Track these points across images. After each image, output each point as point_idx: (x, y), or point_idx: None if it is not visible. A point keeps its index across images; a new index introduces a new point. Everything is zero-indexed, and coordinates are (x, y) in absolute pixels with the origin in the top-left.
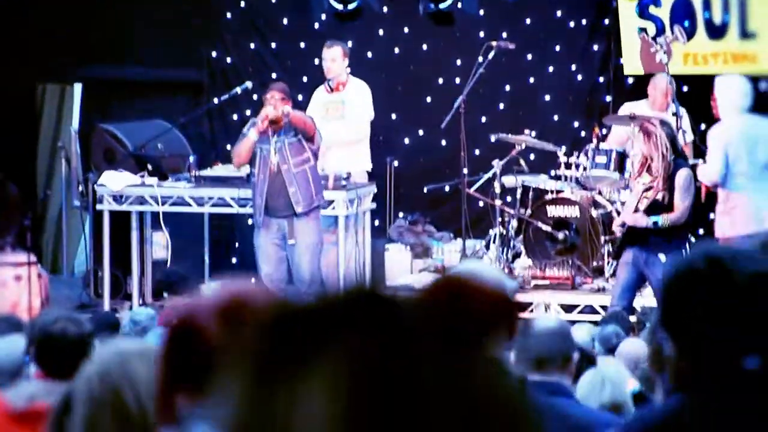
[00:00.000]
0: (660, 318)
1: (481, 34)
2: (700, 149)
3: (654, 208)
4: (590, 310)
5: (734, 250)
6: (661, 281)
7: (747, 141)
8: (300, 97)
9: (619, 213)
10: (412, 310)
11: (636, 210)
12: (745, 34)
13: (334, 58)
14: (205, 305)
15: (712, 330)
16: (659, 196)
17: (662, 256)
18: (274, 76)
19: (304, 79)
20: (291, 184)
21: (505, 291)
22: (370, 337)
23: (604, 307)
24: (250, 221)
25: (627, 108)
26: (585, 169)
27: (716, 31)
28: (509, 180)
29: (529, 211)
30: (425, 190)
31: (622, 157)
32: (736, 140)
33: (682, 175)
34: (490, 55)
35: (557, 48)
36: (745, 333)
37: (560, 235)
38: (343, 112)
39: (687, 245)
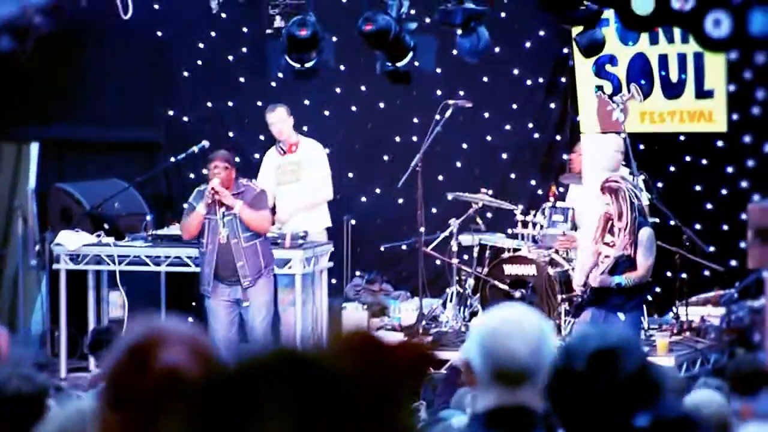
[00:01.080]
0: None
1: (438, 92)
2: (657, 207)
3: (615, 268)
4: None
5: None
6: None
7: None
8: (257, 156)
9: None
10: (336, 371)
11: (592, 269)
12: (702, 92)
13: (282, 119)
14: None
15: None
16: (626, 253)
17: (621, 315)
18: (231, 134)
19: (261, 137)
20: (239, 258)
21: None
22: (298, 400)
23: None
24: None
25: (586, 140)
26: (542, 227)
27: (673, 90)
28: (466, 238)
29: (486, 270)
30: (382, 248)
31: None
32: None
33: (644, 234)
34: (447, 113)
35: (514, 106)
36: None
37: (517, 294)
38: (299, 175)
39: (645, 304)
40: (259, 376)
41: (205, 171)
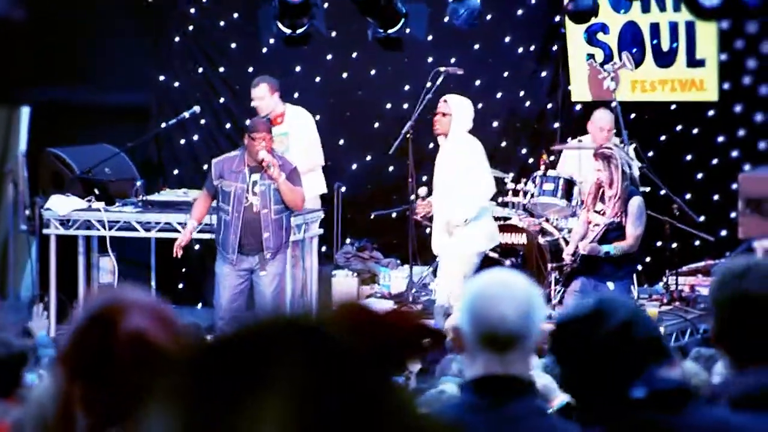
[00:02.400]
0: (554, 355)
1: (430, 59)
2: (648, 177)
3: (606, 236)
4: None
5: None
6: (558, 321)
7: None
8: (247, 122)
9: (566, 240)
10: (338, 338)
11: (583, 238)
12: (693, 61)
13: (261, 96)
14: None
15: (596, 364)
16: (616, 220)
17: (611, 284)
18: (222, 100)
19: (252, 104)
20: (266, 229)
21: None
22: (309, 370)
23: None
24: (197, 246)
25: (573, 143)
26: (532, 196)
27: (664, 59)
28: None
29: None
30: (372, 216)
31: (570, 184)
32: None
33: (634, 204)
34: (439, 81)
35: (505, 74)
36: (625, 367)
37: (507, 262)
38: (288, 144)
39: (635, 273)
40: (263, 342)
41: (196, 137)
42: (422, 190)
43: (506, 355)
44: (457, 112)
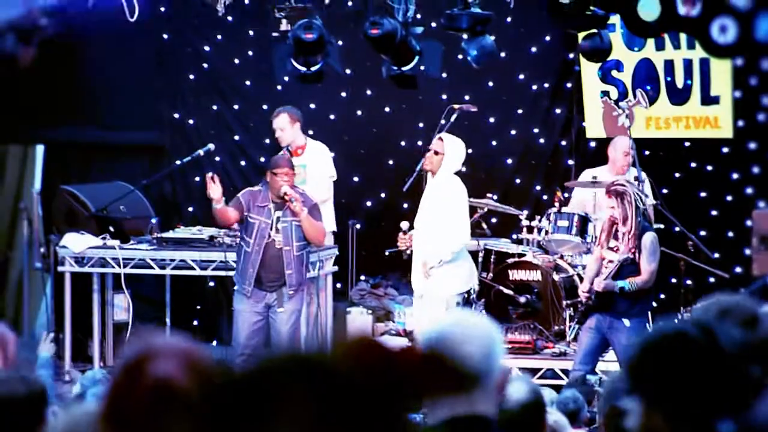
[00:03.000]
0: (635, 381)
1: (444, 96)
2: (662, 213)
3: (620, 273)
4: (551, 374)
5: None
6: (639, 344)
7: None
8: (262, 159)
9: (581, 277)
10: (344, 374)
11: (598, 275)
12: (708, 98)
13: (282, 127)
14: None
15: (690, 394)
16: (630, 256)
17: (626, 321)
18: (236, 138)
19: (267, 141)
20: (289, 266)
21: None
22: (316, 406)
23: (565, 372)
24: (211, 283)
25: (587, 175)
26: (547, 233)
27: (679, 96)
28: (471, 243)
29: (490, 275)
30: (387, 253)
31: (584, 221)
32: None
33: (648, 239)
34: (453, 118)
35: (519, 111)
36: (720, 399)
37: (522, 299)
38: (305, 177)
39: (649, 310)
40: (274, 379)
41: (210, 174)
42: (404, 224)
43: (471, 394)
44: (450, 152)
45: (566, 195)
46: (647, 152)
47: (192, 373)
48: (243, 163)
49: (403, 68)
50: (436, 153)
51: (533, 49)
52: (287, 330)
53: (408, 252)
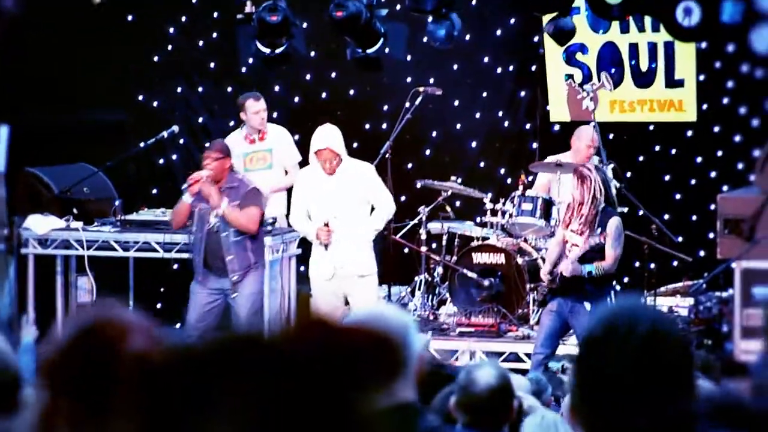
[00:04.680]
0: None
1: (409, 79)
2: (626, 197)
3: (584, 256)
4: (515, 357)
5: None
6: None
7: None
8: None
9: (544, 260)
10: (293, 355)
11: (560, 257)
12: (672, 82)
13: (265, 108)
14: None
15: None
16: (593, 241)
17: (587, 305)
18: (200, 120)
19: (231, 123)
20: (228, 252)
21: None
22: (263, 383)
23: (528, 355)
24: (175, 266)
25: (551, 159)
26: (511, 216)
27: (643, 79)
28: (435, 226)
29: (454, 258)
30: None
31: (548, 204)
32: None
33: (613, 224)
34: (417, 101)
35: (484, 94)
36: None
37: (486, 283)
38: (272, 161)
39: (612, 294)
40: (217, 358)
41: (174, 156)
42: (323, 220)
43: (393, 383)
44: (333, 143)
45: (530, 178)
46: (611, 135)
47: (142, 348)
48: (207, 145)
49: (368, 51)
50: (332, 160)
51: (498, 32)
52: (246, 313)
53: (329, 243)
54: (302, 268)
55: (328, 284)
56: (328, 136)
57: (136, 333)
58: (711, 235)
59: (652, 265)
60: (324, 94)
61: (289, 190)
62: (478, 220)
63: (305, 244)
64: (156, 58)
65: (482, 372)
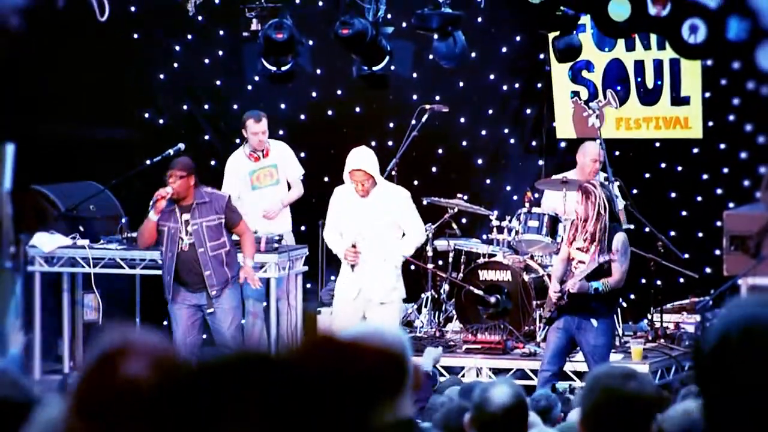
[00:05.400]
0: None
1: (414, 96)
2: (632, 214)
3: (592, 273)
4: (522, 374)
5: None
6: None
7: None
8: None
9: (550, 277)
10: (300, 373)
11: (565, 275)
12: (678, 99)
13: (265, 130)
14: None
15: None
16: (602, 258)
17: (594, 322)
18: (206, 137)
19: (237, 140)
20: (206, 267)
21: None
22: (269, 400)
23: (535, 372)
24: None
25: (557, 177)
26: (517, 233)
27: (649, 96)
28: (441, 244)
29: (461, 275)
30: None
31: (555, 221)
32: None
33: (619, 240)
34: (423, 118)
35: (490, 111)
36: None
37: (492, 300)
38: (278, 177)
39: (617, 311)
40: (224, 377)
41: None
42: (350, 240)
43: (398, 399)
44: (368, 166)
45: (536, 195)
46: (617, 153)
47: (160, 372)
48: (213, 162)
49: (374, 68)
50: (365, 182)
51: (504, 50)
52: (227, 328)
53: (355, 263)
54: (308, 285)
55: (351, 304)
56: (362, 157)
57: (138, 355)
58: (717, 252)
59: (659, 282)
60: (330, 112)
61: (293, 206)
62: (484, 237)
63: (311, 261)
64: (162, 76)
65: (497, 390)
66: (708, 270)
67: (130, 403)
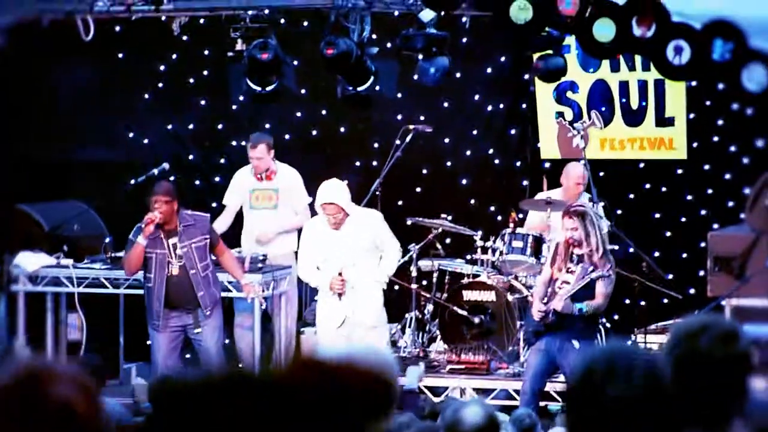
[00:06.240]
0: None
1: (399, 117)
2: (616, 234)
3: (574, 294)
4: (505, 395)
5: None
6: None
7: None
8: (217, 179)
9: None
10: (286, 393)
11: (552, 296)
12: (662, 120)
13: (260, 156)
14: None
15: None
16: (594, 274)
17: (576, 343)
18: (191, 157)
19: (222, 160)
20: (199, 288)
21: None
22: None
23: (518, 392)
24: None
25: (541, 197)
26: (501, 253)
27: (633, 117)
28: (426, 264)
29: (445, 295)
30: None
31: (539, 241)
32: None
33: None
34: (408, 138)
35: (474, 132)
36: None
37: (476, 320)
38: (277, 201)
39: (599, 332)
40: (211, 395)
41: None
42: (336, 269)
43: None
44: (339, 198)
45: (521, 216)
46: (602, 173)
47: (89, 400)
48: (197, 182)
49: (358, 88)
50: (336, 214)
51: (488, 70)
52: (213, 345)
53: (342, 292)
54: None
55: (337, 331)
56: (332, 191)
57: (62, 381)
58: (701, 273)
59: (642, 303)
60: (314, 131)
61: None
62: (468, 257)
63: (297, 281)
64: (147, 96)
65: (469, 411)
66: (692, 291)
67: (58, 425)
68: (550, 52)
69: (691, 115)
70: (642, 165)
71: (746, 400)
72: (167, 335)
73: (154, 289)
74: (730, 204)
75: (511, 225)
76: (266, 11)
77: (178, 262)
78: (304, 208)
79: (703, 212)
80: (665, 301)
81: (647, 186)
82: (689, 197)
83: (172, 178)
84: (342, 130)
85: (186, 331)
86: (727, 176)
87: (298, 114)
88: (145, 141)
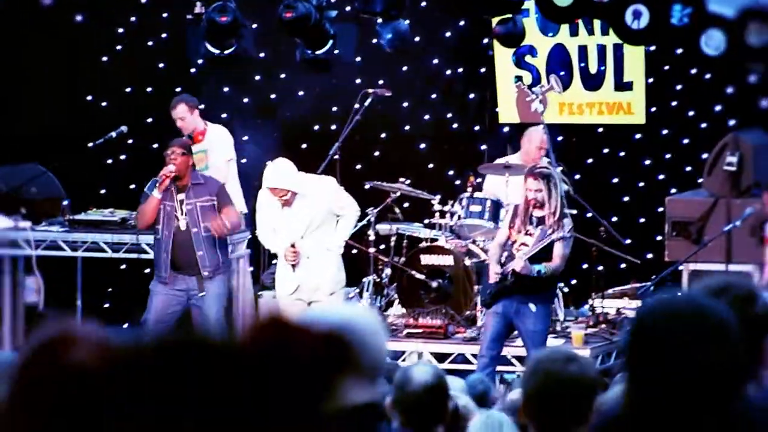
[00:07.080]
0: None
1: (358, 80)
2: (574, 199)
3: (534, 256)
4: (462, 359)
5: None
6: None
7: None
8: None
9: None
10: (240, 356)
11: (510, 258)
12: (621, 84)
13: (182, 116)
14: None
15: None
16: (555, 236)
17: (533, 306)
18: (149, 120)
19: (177, 124)
20: (199, 248)
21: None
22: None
23: (476, 356)
24: (123, 266)
25: (500, 162)
26: (459, 217)
27: (592, 82)
28: (384, 228)
29: (403, 259)
30: None
31: (497, 206)
32: None
33: (566, 224)
34: (367, 103)
35: (433, 96)
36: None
37: (434, 284)
38: (207, 162)
39: (559, 295)
40: (165, 360)
41: (123, 156)
42: (289, 241)
43: (374, 383)
44: (293, 185)
45: (479, 180)
46: (560, 138)
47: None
48: (155, 145)
49: (317, 52)
50: (284, 195)
51: (447, 34)
52: (213, 313)
53: (296, 263)
54: (251, 268)
55: (294, 296)
56: (276, 175)
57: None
58: (659, 238)
59: (600, 267)
60: (273, 95)
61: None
62: (426, 221)
63: (254, 245)
64: (105, 59)
65: (417, 370)
66: (650, 255)
67: (74, 392)
68: (509, 16)
69: (650, 80)
70: (600, 130)
71: (761, 364)
72: (167, 298)
73: (162, 240)
74: (688, 169)
75: (469, 189)
76: None
77: (183, 218)
78: (223, 163)
79: (661, 177)
80: (623, 265)
81: (605, 151)
82: (647, 162)
83: (130, 141)
84: (301, 93)
85: (189, 298)
86: (685, 141)
87: (257, 77)
88: (104, 104)
